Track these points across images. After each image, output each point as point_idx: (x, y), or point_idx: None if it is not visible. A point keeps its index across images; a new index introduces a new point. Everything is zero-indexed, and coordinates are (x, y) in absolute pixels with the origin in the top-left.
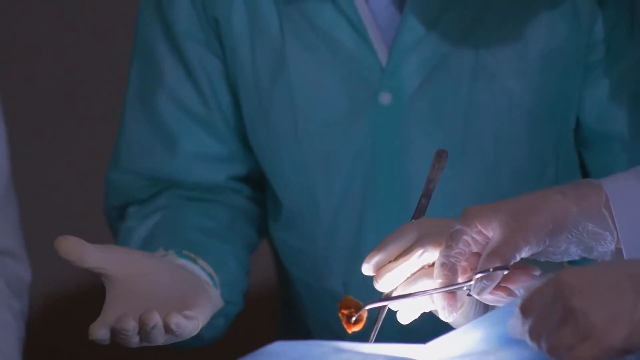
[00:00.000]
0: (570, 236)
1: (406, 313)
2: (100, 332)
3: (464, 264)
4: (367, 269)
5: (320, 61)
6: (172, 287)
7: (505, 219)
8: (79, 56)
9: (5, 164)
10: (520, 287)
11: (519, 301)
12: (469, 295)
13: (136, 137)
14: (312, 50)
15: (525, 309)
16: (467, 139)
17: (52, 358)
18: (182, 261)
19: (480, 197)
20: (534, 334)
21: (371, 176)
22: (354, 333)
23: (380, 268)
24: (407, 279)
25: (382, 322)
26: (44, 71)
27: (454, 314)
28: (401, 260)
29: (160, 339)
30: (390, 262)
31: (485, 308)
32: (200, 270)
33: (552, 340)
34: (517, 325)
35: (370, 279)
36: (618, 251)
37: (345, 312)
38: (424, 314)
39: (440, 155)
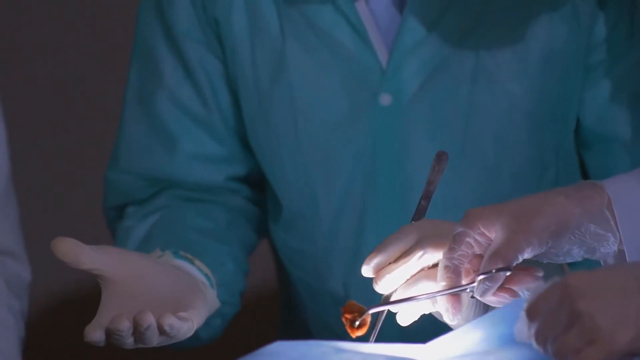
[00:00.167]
0: (573, 237)
1: (406, 315)
2: (95, 334)
3: (467, 266)
4: (366, 270)
5: (321, 62)
6: (168, 289)
7: (507, 220)
8: (79, 56)
9: (5, 164)
10: (524, 289)
11: (524, 304)
12: (472, 297)
13: (135, 137)
14: (313, 51)
15: (531, 313)
16: (467, 140)
17: (52, 358)
18: (179, 262)
19: (480, 198)
20: (540, 337)
21: (371, 177)
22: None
23: (380, 270)
24: (407, 281)
25: (382, 322)
26: (44, 71)
27: (458, 317)
28: (401, 262)
29: (154, 340)
30: (390, 263)
31: (485, 309)
32: (196, 270)
33: (558, 343)
34: (524, 330)
35: (370, 280)
36: (620, 252)
37: (348, 316)
38: (423, 315)
39: (441, 156)
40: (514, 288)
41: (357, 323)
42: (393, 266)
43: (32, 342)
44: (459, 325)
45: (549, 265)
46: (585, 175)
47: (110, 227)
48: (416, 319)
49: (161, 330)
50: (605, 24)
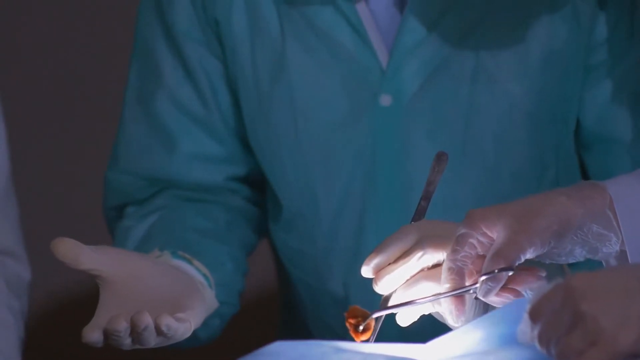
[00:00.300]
0: (575, 237)
1: (406, 316)
2: (93, 334)
3: (470, 267)
4: (366, 271)
5: (321, 62)
6: (166, 289)
7: (509, 220)
8: (79, 56)
9: (5, 164)
10: (527, 289)
11: (525, 303)
12: (476, 298)
13: (135, 137)
14: (313, 52)
15: (534, 315)
16: (467, 140)
17: (52, 358)
18: (177, 262)
19: (480, 198)
20: (543, 339)
21: (371, 177)
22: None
23: (379, 270)
24: (407, 282)
25: (382, 323)
26: (44, 71)
27: (462, 318)
28: (401, 262)
29: (152, 340)
30: (389, 264)
31: (485, 309)
32: (195, 271)
33: (561, 345)
34: (527, 331)
35: (370, 280)
36: (622, 252)
37: (352, 321)
38: (423, 315)
39: (441, 157)
40: (517, 288)
41: (361, 328)
42: (393, 267)
43: (32, 342)
44: (460, 326)
45: (550, 266)
46: (585, 175)
47: (109, 227)
48: (416, 319)
49: (158, 331)
50: (606, 24)
